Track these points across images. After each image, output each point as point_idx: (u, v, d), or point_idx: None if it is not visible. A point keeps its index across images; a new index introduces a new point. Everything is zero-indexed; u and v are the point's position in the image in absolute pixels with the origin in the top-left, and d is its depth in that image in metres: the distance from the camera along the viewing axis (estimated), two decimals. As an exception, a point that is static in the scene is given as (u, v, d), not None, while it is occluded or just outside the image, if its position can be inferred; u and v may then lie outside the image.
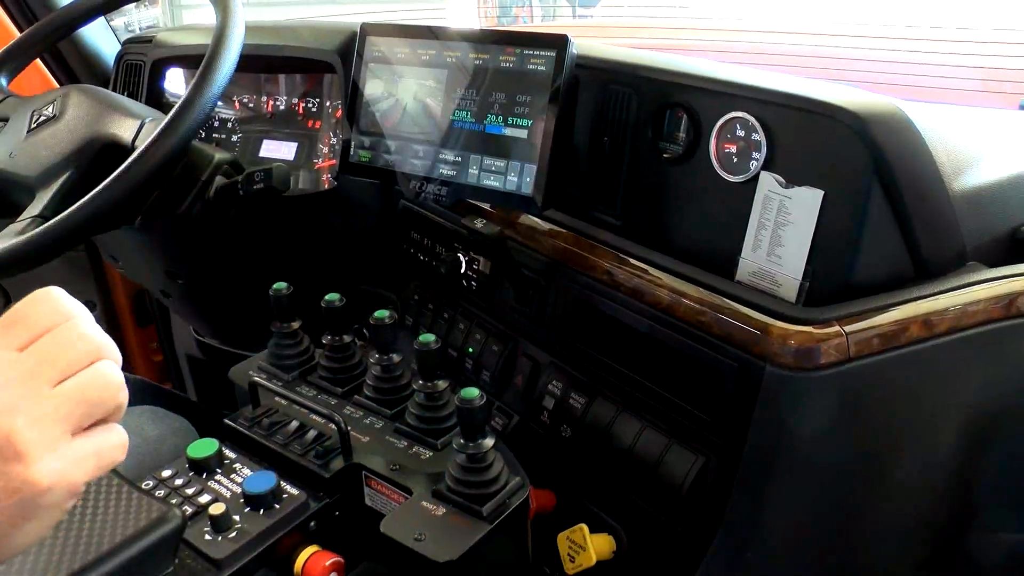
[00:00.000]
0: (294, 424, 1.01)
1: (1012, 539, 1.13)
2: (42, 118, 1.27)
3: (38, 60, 1.73)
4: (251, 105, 1.62)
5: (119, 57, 1.74)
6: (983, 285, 0.92)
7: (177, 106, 1.09)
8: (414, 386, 1.00)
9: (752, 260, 0.94)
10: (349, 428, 0.97)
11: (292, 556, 0.89)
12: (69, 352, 0.54)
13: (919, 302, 0.88)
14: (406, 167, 1.17)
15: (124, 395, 0.57)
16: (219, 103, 1.25)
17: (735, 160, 0.96)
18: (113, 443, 0.56)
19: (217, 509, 0.87)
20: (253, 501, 0.90)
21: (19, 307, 0.55)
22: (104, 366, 0.56)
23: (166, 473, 0.95)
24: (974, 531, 1.08)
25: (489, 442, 0.87)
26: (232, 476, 0.95)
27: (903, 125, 0.89)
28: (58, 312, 0.56)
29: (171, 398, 1.43)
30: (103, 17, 1.74)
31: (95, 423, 0.55)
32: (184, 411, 1.36)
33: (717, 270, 0.97)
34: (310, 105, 1.57)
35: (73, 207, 1.06)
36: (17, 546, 0.54)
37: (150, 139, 1.08)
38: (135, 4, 1.55)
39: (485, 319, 1.23)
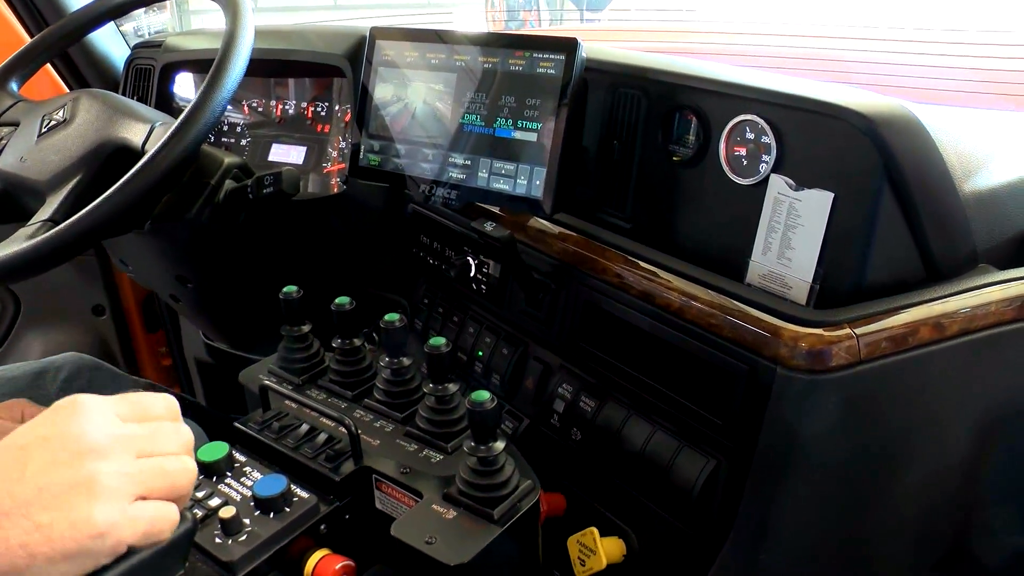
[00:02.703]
0: (304, 427, 1.01)
1: (1017, 541, 1.12)
2: (52, 123, 1.27)
3: (48, 65, 1.73)
4: (260, 109, 1.63)
5: (129, 62, 1.74)
6: (994, 287, 0.92)
7: (187, 110, 1.09)
8: (424, 389, 1.00)
9: (762, 263, 0.94)
10: (359, 431, 0.97)
11: (302, 559, 0.89)
12: (166, 440, 0.66)
13: (930, 304, 0.88)
14: (416, 171, 1.17)
15: (192, 487, 0.68)
16: (228, 107, 1.26)
17: (745, 163, 0.96)
18: (167, 516, 0.64)
19: (227, 512, 0.87)
20: (263, 504, 0.90)
21: (144, 396, 0.69)
22: (188, 461, 0.68)
23: (177, 476, 0.95)
24: (980, 534, 1.08)
25: (500, 445, 0.87)
26: (242, 479, 0.95)
27: (913, 127, 0.89)
28: (170, 412, 0.70)
29: (180, 402, 1.43)
30: (113, 22, 1.75)
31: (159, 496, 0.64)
32: (193, 415, 1.36)
33: (727, 273, 0.97)
34: (319, 109, 1.57)
35: (83, 211, 1.06)
36: None
37: (160, 143, 1.08)
38: (144, 9, 1.55)
39: (495, 322, 1.23)
